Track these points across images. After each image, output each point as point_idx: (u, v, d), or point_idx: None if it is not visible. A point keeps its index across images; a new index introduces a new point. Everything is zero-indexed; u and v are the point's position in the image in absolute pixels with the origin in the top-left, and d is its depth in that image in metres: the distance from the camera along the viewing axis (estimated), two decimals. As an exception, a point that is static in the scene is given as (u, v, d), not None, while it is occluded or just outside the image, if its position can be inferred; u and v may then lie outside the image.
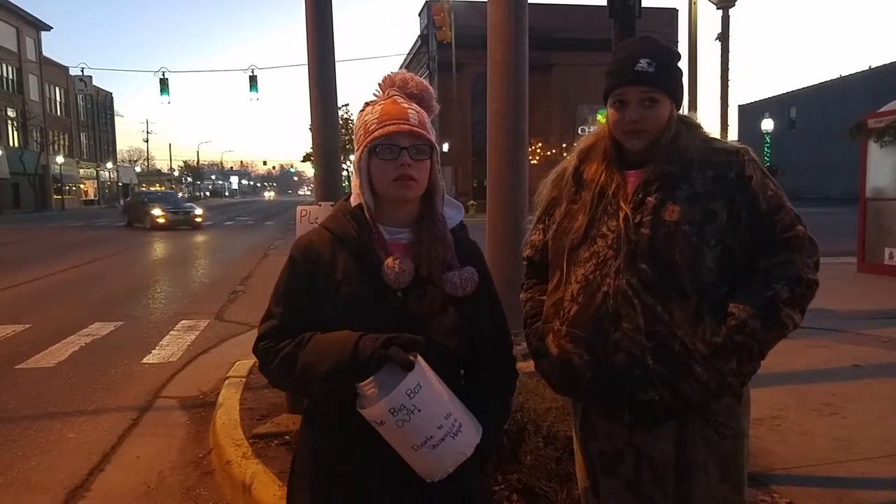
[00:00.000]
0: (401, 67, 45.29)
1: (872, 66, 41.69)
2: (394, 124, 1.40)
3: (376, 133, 1.40)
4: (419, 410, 1.26)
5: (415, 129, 1.40)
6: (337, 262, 1.43)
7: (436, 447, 1.28)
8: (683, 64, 1.74)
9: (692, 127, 1.66)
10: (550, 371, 1.68)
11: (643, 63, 1.57)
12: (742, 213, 1.55)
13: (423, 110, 1.46)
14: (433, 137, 1.45)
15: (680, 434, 1.58)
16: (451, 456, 1.31)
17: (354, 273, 1.41)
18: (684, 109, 1.70)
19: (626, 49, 1.65)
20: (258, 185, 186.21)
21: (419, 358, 1.29)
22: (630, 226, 1.57)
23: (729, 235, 1.55)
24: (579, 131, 32.41)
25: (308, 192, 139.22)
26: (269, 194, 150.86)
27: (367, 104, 1.48)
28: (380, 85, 1.50)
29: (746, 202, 1.55)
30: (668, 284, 1.53)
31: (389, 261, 1.40)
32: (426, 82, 1.52)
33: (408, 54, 42.70)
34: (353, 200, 1.50)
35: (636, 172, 1.63)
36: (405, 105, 1.44)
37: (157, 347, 6.50)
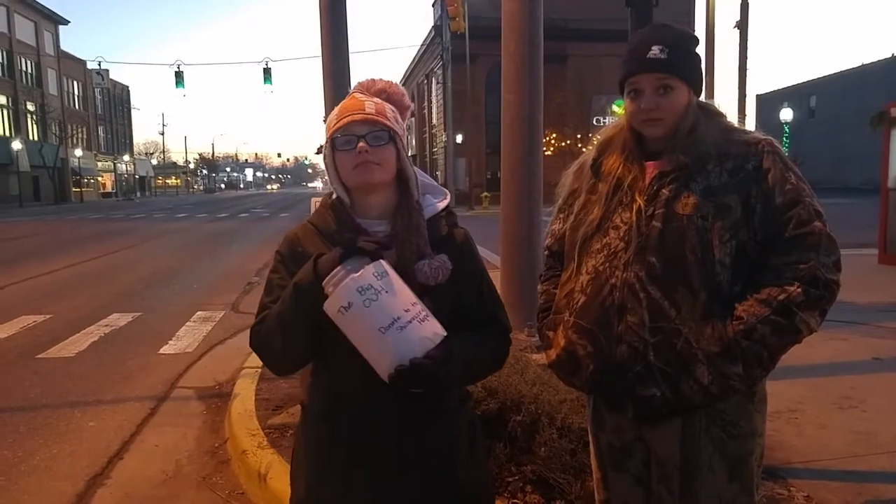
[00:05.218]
0: (414, 58, 45.29)
1: (895, 54, 40.90)
2: (349, 115, 1.44)
3: (334, 127, 1.45)
4: (386, 291, 1.29)
5: (370, 116, 1.43)
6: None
7: (403, 328, 1.29)
8: (700, 52, 1.71)
9: (712, 115, 1.62)
10: (558, 362, 1.68)
11: (655, 49, 1.54)
12: (757, 207, 1.51)
13: (385, 102, 1.48)
14: (395, 125, 1.47)
15: (685, 432, 1.55)
16: (419, 340, 1.30)
17: None
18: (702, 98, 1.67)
19: (638, 37, 1.64)
20: (272, 177, 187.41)
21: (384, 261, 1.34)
22: (642, 218, 1.55)
23: (743, 230, 1.51)
24: (594, 122, 32.08)
25: (318, 185, 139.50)
26: (271, 187, 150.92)
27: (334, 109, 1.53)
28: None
29: (762, 196, 1.51)
30: (675, 278, 1.50)
31: None
32: (394, 82, 1.54)
33: (421, 45, 42.51)
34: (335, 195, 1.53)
35: (654, 163, 1.60)
36: (363, 98, 1.47)
37: (173, 338, 6.56)
